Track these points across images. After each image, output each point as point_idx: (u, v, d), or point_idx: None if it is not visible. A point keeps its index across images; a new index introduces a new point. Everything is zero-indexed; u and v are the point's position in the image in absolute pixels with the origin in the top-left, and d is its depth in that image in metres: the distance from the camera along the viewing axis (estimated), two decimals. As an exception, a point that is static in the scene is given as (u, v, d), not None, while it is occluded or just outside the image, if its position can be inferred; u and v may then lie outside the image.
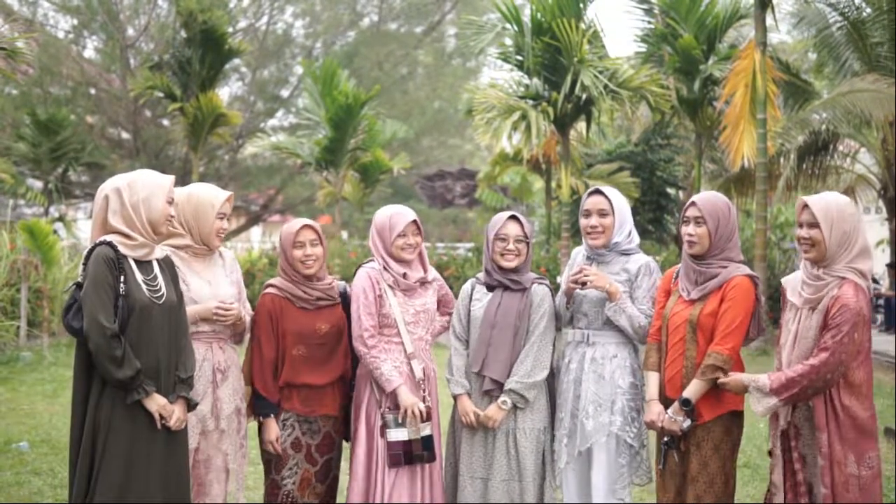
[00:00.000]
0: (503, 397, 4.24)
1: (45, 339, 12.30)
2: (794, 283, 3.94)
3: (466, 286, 4.51)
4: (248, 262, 17.27)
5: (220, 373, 4.21)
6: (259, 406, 4.27)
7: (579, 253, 4.58)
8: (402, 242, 4.35)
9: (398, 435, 4.23)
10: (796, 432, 3.87)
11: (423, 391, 4.32)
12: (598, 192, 4.42)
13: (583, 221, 4.43)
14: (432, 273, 4.53)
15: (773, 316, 13.84)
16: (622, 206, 4.41)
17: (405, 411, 4.21)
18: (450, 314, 4.60)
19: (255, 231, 34.09)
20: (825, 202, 3.80)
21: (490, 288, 4.41)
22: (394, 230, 4.34)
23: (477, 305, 4.40)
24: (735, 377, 3.92)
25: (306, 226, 4.32)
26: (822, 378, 3.68)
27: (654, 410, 4.14)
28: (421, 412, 4.22)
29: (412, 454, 4.25)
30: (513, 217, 4.39)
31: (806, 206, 3.83)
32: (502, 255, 4.36)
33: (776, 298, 15.73)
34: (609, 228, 4.36)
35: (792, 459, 3.87)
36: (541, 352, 4.29)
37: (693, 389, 4.01)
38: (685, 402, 4.01)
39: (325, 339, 4.32)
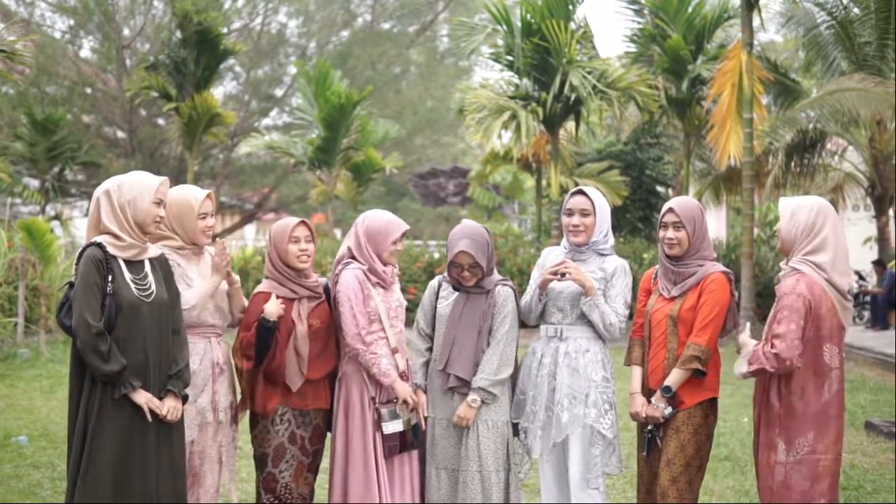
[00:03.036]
0: (472, 395, 4.36)
1: (42, 336, 12.43)
2: None
3: (433, 283, 4.64)
4: (242, 260, 17.33)
5: (218, 367, 4.35)
6: (262, 328, 4.27)
7: (551, 252, 4.74)
8: (394, 249, 4.52)
9: (395, 427, 4.38)
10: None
11: (408, 381, 4.48)
12: (580, 192, 4.56)
13: (565, 220, 4.56)
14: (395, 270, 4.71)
15: (762, 312, 13.98)
16: (603, 206, 4.55)
17: (403, 401, 4.37)
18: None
19: (249, 229, 34.18)
20: (786, 204, 4.06)
21: (456, 288, 4.54)
22: (389, 237, 4.48)
23: (443, 303, 4.54)
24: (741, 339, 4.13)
25: (303, 222, 4.46)
26: (783, 364, 3.88)
27: (638, 402, 4.36)
28: (414, 400, 4.40)
29: (406, 443, 4.42)
30: (466, 243, 4.41)
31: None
32: (460, 274, 4.50)
33: (765, 295, 15.88)
34: (590, 227, 4.50)
35: None
36: (506, 350, 4.43)
37: (674, 378, 4.22)
38: (666, 390, 4.23)
39: (317, 334, 4.45)
